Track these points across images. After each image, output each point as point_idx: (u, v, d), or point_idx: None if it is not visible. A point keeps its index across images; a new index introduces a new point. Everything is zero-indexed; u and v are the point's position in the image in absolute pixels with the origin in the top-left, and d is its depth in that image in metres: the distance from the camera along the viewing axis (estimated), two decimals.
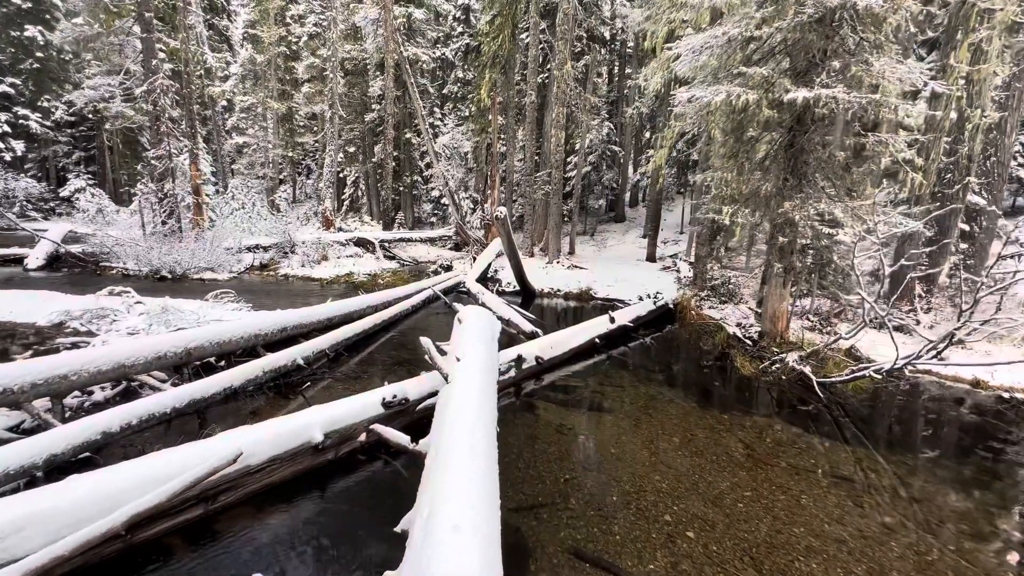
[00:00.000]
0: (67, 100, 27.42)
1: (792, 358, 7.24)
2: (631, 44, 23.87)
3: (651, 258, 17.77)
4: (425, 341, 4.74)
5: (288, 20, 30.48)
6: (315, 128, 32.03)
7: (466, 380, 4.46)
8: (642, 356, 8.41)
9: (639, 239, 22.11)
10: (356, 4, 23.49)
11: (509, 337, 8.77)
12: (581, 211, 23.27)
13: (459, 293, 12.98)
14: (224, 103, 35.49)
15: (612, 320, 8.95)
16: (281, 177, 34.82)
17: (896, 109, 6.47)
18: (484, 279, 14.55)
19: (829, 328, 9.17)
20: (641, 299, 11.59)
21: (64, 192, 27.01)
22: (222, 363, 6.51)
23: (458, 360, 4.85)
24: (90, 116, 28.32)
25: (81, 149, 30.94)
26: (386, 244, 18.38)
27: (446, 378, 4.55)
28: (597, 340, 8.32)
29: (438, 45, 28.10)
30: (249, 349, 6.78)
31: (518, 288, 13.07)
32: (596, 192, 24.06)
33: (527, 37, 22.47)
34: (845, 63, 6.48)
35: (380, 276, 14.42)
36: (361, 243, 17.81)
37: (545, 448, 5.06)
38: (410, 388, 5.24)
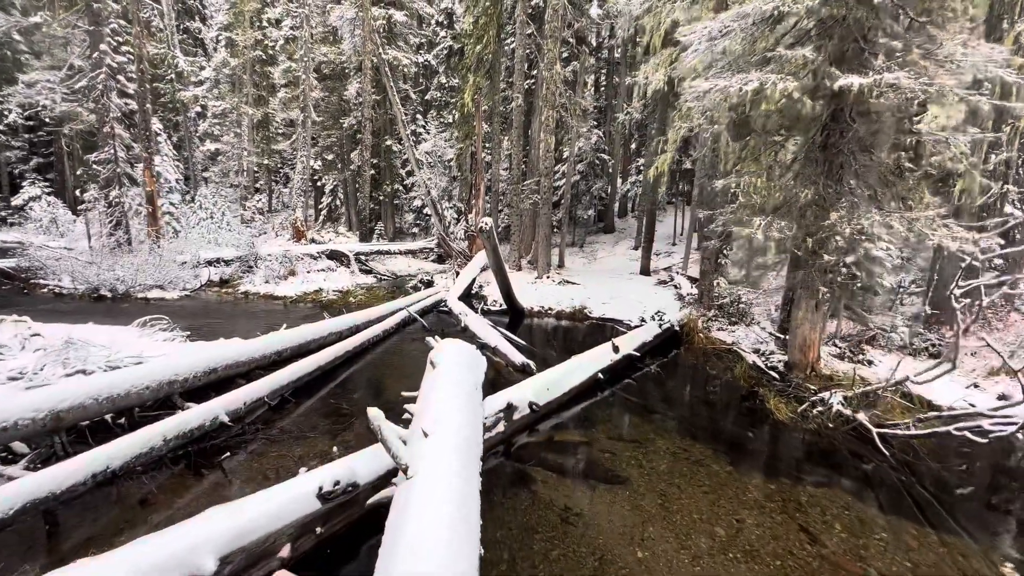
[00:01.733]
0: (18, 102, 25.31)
1: (836, 399, 5.92)
2: (619, 51, 22.84)
3: (645, 271, 16.51)
4: (375, 417, 3.26)
5: (264, 24, 28.95)
6: (292, 135, 30.32)
7: (436, 473, 3.00)
8: (652, 393, 7.01)
9: (630, 251, 20.89)
10: (332, 3, 22.05)
11: (496, 372, 7.32)
12: (570, 222, 21.99)
13: (439, 312, 11.51)
14: (198, 109, 33.66)
15: (616, 349, 7.56)
16: (257, 186, 33.00)
17: (962, 101, 5.24)
18: (468, 296, 13.09)
19: (861, 356, 7.91)
20: (644, 321, 10.25)
21: (17, 200, 24.82)
22: (122, 420, 4.93)
23: (426, 435, 3.38)
24: (48, 120, 26.24)
25: (39, 155, 28.75)
26: (362, 257, 16.81)
27: (405, 471, 3.07)
28: (600, 376, 6.91)
29: (421, 51, 26.80)
30: (163, 399, 5.21)
31: (505, 307, 11.64)
32: (584, 202, 22.85)
33: (512, 42, 21.34)
34: (906, 44, 5.23)
35: (352, 293, 12.86)
36: (334, 256, 16.21)
37: (547, 550, 3.61)
38: (361, 466, 3.74)
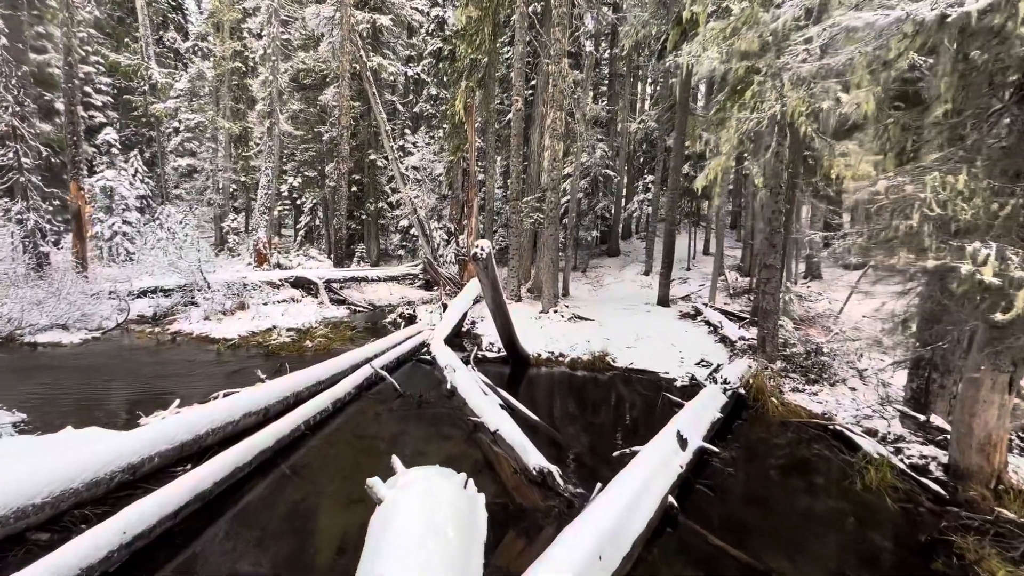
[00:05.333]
0: None
1: None
2: (623, 61, 20.59)
3: (663, 302, 13.80)
4: None
5: (244, 34, 26.47)
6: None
7: None
8: (755, 527, 4.16)
9: (639, 276, 18.22)
10: (312, 1, 19.59)
11: (496, 484, 4.48)
12: (573, 244, 19.34)
13: (420, 361, 8.63)
14: (176, 124, 30.83)
15: (683, 442, 4.74)
16: (236, 204, 30.07)
17: None
18: (458, 334, 10.26)
19: None
20: (696, 381, 7.46)
21: None
22: None
23: None
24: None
25: None
26: (334, 285, 13.92)
27: None
28: (674, 504, 4.06)
29: (411, 63, 24.43)
30: None
31: (504, 353, 8.81)
32: (586, 222, 20.30)
33: (508, 52, 19.02)
34: None
35: (312, 333, 9.93)
36: (301, 284, 13.31)
37: None
38: None
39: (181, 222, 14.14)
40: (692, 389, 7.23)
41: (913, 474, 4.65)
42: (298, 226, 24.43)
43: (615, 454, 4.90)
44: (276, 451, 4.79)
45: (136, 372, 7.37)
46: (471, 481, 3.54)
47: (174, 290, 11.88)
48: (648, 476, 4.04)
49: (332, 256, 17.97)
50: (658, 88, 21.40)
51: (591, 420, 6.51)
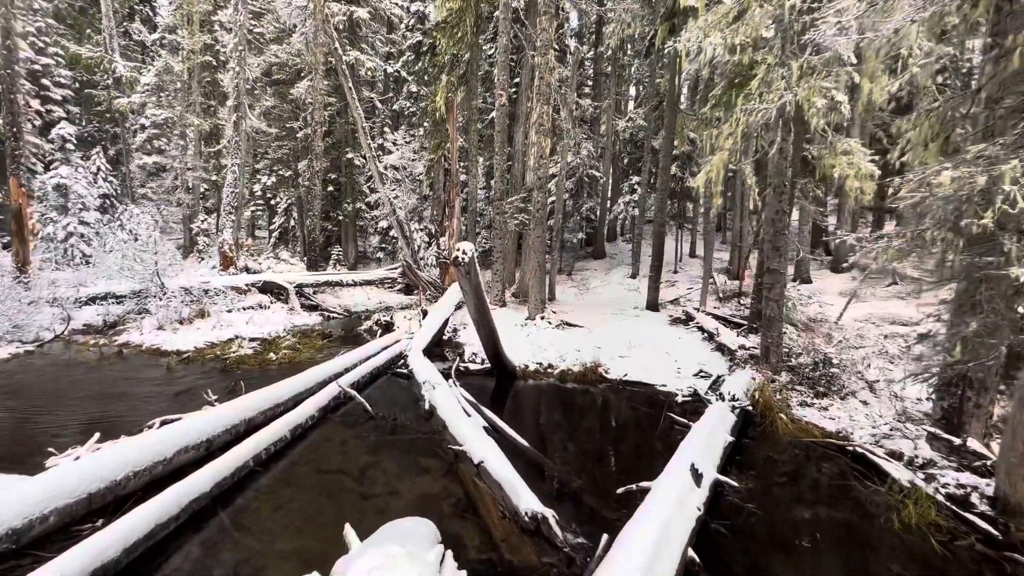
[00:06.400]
0: None
1: None
2: (608, 61, 20.07)
3: (653, 306, 13.21)
4: None
5: (215, 27, 25.11)
6: (246, 149, 26.23)
7: None
8: (771, 574, 3.50)
9: (626, 279, 17.65)
10: None
11: (480, 531, 3.72)
12: (559, 246, 18.68)
13: (396, 375, 7.81)
14: (143, 121, 29.15)
15: (698, 477, 4.06)
16: (207, 205, 28.56)
17: None
18: (439, 343, 9.47)
19: None
20: (699, 396, 6.82)
21: None
22: None
23: None
24: None
25: None
26: (307, 290, 12.95)
27: None
28: (694, 558, 3.36)
29: (391, 60, 23.49)
30: None
31: (489, 365, 8.04)
32: (571, 224, 19.67)
33: (491, 48, 18.30)
34: None
35: (278, 344, 9.01)
36: (269, 290, 12.31)
37: None
38: None
39: (142, 224, 12.99)
40: (694, 405, 6.59)
41: (956, 508, 4.05)
42: (272, 227, 23.22)
43: (620, 491, 4.19)
44: (216, 496, 3.94)
45: (67, 393, 6.38)
46: (450, 555, 2.76)
47: (127, 296, 10.80)
48: (665, 524, 3.33)
49: (306, 259, 16.92)
50: (643, 89, 20.94)
51: (586, 444, 5.79)
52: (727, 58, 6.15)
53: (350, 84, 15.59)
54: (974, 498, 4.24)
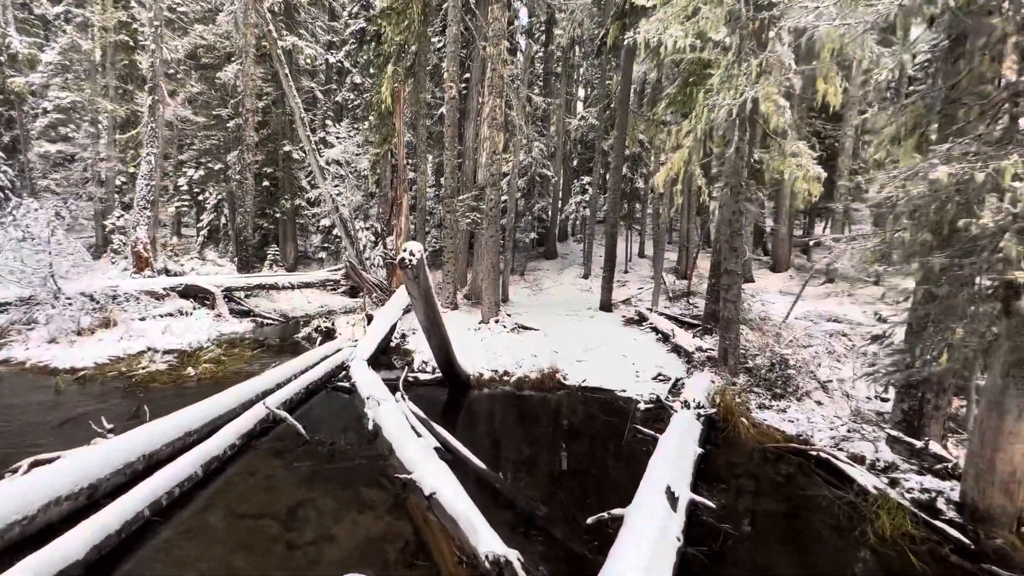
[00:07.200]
0: None
1: None
2: (558, 60, 19.88)
3: (606, 307, 13.06)
4: None
5: (131, 3, 22.56)
6: (170, 138, 23.76)
7: None
8: None
9: (579, 279, 17.50)
10: None
11: (435, 569, 3.12)
12: (512, 246, 18.26)
13: (337, 389, 7.00)
14: (45, 104, 25.74)
15: (673, 500, 3.69)
16: (124, 200, 25.67)
17: None
18: (385, 351, 8.70)
19: None
20: (661, 403, 6.53)
21: None
22: None
23: None
24: None
25: None
26: (237, 294, 11.68)
27: None
28: None
29: (332, 49, 22.09)
30: None
31: (440, 374, 7.41)
32: (523, 224, 19.30)
33: (439, 41, 17.55)
34: None
35: (200, 357, 7.89)
36: (192, 294, 10.96)
37: None
38: None
39: (39, 221, 11.13)
40: (657, 412, 6.32)
41: (927, 517, 3.93)
42: (200, 225, 21.15)
43: (590, 520, 3.73)
44: (93, 563, 3.09)
45: None
46: None
47: (12, 304, 9.19)
48: (648, 566, 2.90)
49: (237, 259, 15.42)
50: (593, 90, 20.94)
51: (548, 462, 5.33)
52: (688, 54, 5.90)
53: (287, 71, 14.35)
54: (940, 503, 4.16)
